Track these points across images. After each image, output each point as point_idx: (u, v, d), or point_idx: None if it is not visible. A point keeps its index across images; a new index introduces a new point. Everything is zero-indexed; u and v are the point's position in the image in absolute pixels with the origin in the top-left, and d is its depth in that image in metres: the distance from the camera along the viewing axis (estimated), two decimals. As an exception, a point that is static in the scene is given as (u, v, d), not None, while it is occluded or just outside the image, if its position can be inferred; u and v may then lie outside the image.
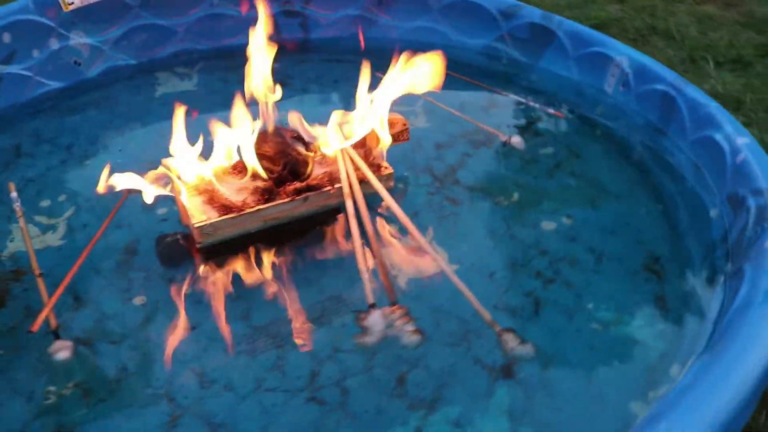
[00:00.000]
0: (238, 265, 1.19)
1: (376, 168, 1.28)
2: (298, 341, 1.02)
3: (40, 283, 1.08)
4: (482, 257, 1.21)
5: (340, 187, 1.21)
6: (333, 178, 1.25)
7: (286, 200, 1.19)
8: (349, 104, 1.43)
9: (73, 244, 1.22)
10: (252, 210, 1.17)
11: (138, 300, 1.11)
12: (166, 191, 1.14)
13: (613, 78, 1.69)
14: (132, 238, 1.23)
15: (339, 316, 1.06)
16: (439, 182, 1.41)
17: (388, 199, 1.17)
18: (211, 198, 1.18)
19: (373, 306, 1.02)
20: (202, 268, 1.17)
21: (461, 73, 1.77)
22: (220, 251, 1.18)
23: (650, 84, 1.58)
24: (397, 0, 2.01)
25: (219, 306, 1.10)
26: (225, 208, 1.17)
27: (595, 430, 0.91)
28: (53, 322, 1.02)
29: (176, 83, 1.88)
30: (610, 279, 1.17)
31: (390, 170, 1.30)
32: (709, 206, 1.29)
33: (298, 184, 1.21)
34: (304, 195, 1.21)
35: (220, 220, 1.15)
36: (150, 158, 1.27)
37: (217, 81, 1.88)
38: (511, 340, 0.99)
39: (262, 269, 1.18)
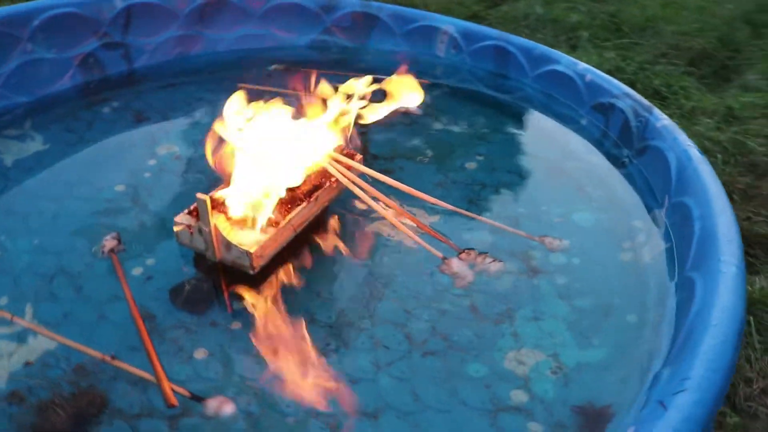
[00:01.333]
0: (270, 280, 1.21)
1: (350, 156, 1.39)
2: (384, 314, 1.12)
3: (123, 365, 0.99)
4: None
5: (337, 180, 1.31)
6: (319, 174, 1.32)
7: (305, 204, 1.25)
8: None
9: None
10: (285, 222, 1.21)
11: (200, 353, 1.07)
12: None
13: (442, 44, 2.02)
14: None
15: (408, 282, 1.19)
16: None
17: (376, 174, 1.31)
18: (240, 222, 1.18)
19: (444, 258, 1.19)
20: (247, 296, 1.17)
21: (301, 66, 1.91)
22: (238, 277, 1.18)
23: (480, 42, 1.95)
24: (218, 12, 2.03)
25: (285, 321, 1.11)
26: (244, 222, 1.18)
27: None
28: (180, 389, 0.96)
29: (20, 147, 1.65)
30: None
31: (359, 155, 1.43)
32: (577, 118, 1.71)
33: (304, 187, 1.28)
34: (315, 195, 1.28)
35: (268, 240, 1.17)
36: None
37: (65, 132, 1.71)
38: (547, 242, 1.25)
39: (296, 274, 1.22)
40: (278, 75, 1.96)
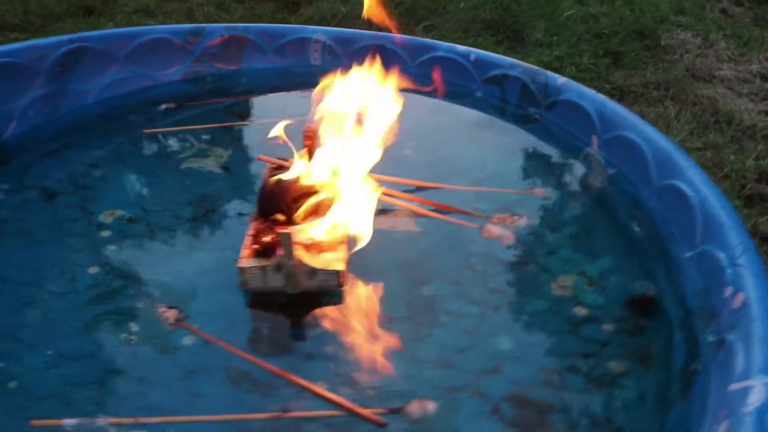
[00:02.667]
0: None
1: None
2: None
3: (305, 413, 0.99)
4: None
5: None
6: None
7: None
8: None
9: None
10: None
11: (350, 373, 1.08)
12: None
13: (316, 53, 2.13)
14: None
15: (458, 257, 1.34)
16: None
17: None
18: (307, 246, 1.20)
19: (480, 227, 1.36)
20: (328, 312, 1.20)
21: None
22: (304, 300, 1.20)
23: (354, 44, 2.10)
24: (77, 63, 1.87)
25: (373, 317, 1.18)
26: (318, 245, 1.22)
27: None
28: (372, 411, 1.00)
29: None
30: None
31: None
32: (471, 92, 1.98)
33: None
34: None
35: (344, 255, 1.21)
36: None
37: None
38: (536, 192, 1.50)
39: (356, 276, 1.27)
40: (174, 113, 1.89)
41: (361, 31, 2.12)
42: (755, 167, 2.19)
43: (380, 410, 0.98)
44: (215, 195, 1.52)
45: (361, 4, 1.55)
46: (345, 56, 2.10)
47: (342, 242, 1.21)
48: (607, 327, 1.18)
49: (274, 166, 1.40)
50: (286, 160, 1.40)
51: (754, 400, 0.82)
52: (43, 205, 1.48)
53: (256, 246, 1.18)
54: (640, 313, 1.21)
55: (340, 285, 1.18)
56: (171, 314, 1.14)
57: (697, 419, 0.92)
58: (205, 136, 1.78)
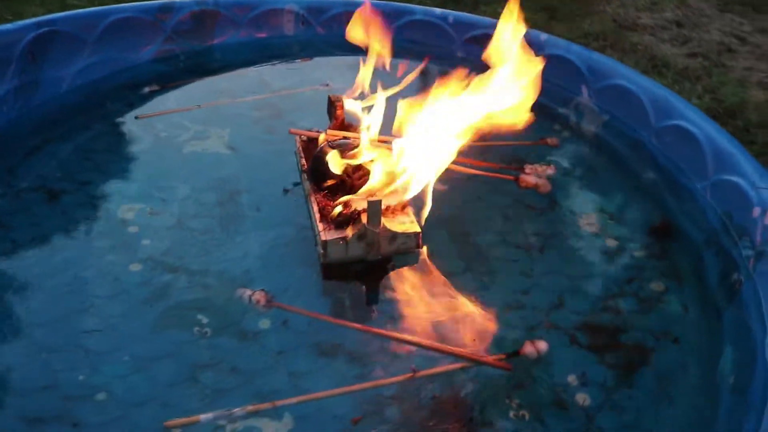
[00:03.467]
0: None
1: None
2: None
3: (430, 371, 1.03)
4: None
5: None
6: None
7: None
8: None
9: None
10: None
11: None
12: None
13: (290, 23, 2.11)
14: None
15: (501, 206, 1.42)
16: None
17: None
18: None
19: (515, 177, 1.44)
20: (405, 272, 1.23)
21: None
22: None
23: (327, 12, 2.10)
24: (48, 49, 1.76)
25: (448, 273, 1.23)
26: (391, 211, 1.25)
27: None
28: (495, 357, 1.06)
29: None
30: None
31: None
32: (452, 53, 2.04)
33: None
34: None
35: (414, 217, 1.26)
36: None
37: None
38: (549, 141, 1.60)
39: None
40: (161, 94, 1.83)
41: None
42: (700, 105, 2.40)
43: (499, 355, 1.04)
44: (233, 177, 1.48)
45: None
46: (319, 25, 2.10)
47: (406, 205, 1.25)
48: (638, 253, 1.30)
49: (305, 138, 1.41)
50: (317, 131, 1.41)
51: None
52: (49, 207, 1.36)
53: (334, 218, 1.19)
54: (663, 238, 1.34)
55: (419, 246, 1.22)
56: (260, 297, 1.11)
57: (756, 320, 1.05)
58: (199, 116, 1.74)
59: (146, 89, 1.83)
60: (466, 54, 2.00)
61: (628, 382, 1.03)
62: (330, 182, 1.25)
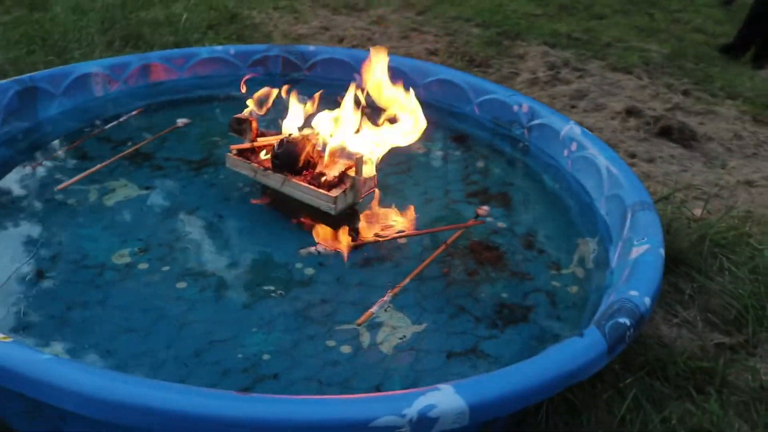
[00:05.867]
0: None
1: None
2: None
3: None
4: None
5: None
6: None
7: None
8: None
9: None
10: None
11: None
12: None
13: (98, 85, 2.33)
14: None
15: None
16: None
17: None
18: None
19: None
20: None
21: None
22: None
23: (128, 68, 2.40)
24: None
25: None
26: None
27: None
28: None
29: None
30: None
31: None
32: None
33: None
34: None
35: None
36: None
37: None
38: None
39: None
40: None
41: (128, 56, 2.41)
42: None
43: (471, 220, 1.84)
44: (194, 204, 1.86)
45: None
46: (123, 82, 2.38)
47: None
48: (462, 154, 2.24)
49: (241, 147, 1.86)
50: (251, 141, 1.88)
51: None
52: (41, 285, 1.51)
53: (328, 180, 1.73)
54: (461, 143, 2.31)
55: (376, 185, 1.87)
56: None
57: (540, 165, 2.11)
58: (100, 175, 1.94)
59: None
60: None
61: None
62: (301, 163, 1.79)
